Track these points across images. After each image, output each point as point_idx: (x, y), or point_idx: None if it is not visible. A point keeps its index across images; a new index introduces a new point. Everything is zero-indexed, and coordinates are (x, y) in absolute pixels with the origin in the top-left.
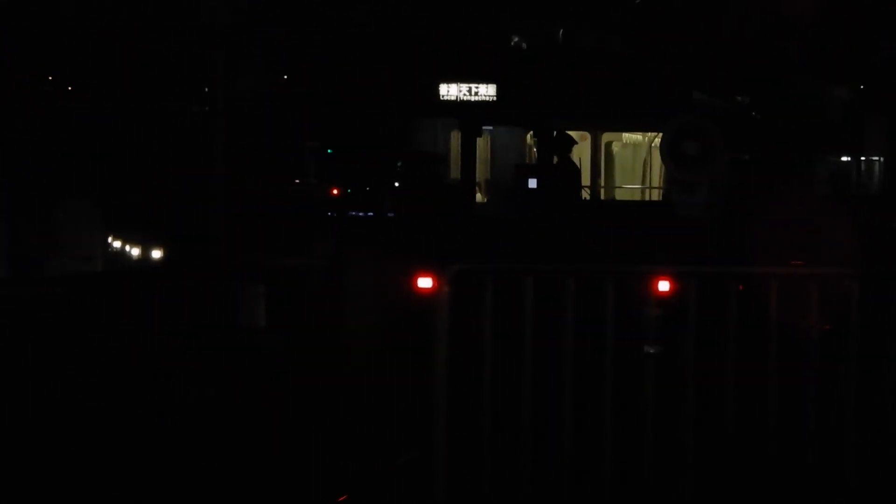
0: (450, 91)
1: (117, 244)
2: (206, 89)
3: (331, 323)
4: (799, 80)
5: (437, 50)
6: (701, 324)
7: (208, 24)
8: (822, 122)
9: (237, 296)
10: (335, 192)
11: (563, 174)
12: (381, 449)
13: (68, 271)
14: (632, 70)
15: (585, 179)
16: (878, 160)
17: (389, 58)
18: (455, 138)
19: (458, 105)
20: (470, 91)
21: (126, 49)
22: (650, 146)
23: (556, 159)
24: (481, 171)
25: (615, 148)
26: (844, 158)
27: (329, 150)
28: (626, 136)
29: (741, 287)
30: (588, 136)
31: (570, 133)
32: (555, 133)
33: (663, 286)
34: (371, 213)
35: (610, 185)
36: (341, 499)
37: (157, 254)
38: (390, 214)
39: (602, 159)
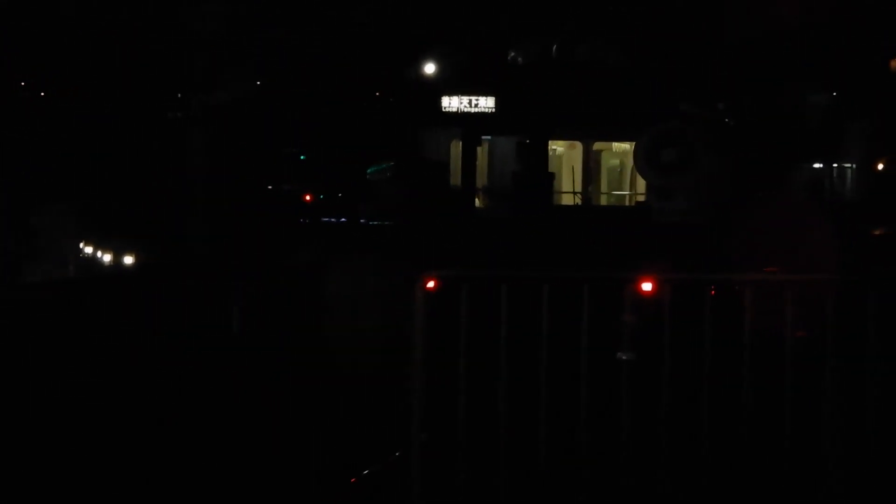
0: (451, 103)
1: (89, 250)
2: (180, 96)
3: (314, 326)
4: (780, 88)
5: (440, 64)
6: (676, 330)
7: (187, 32)
8: (802, 129)
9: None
10: (308, 197)
11: (536, 179)
12: (365, 450)
13: (49, 276)
14: (621, 84)
15: (577, 186)
16: (851, 167)
17: (393, 69)
18: (455, 147)
19: (459, 116)
20: (471, 103)
21: (104, 56)
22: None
23: (526, 166)
24: (480, 178)
25: (605, 157)
26: (818, 165)
27: (302, 157)
28: (616, 145)
29: (713, 291)
30: (580, 145)
31: (564, 142)
32: (527, 142)
33: (646, 286)
34: (344, 220)
35: (600, 191)
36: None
37: (129, 259)
38: (363, 221)
39: (592, 167)
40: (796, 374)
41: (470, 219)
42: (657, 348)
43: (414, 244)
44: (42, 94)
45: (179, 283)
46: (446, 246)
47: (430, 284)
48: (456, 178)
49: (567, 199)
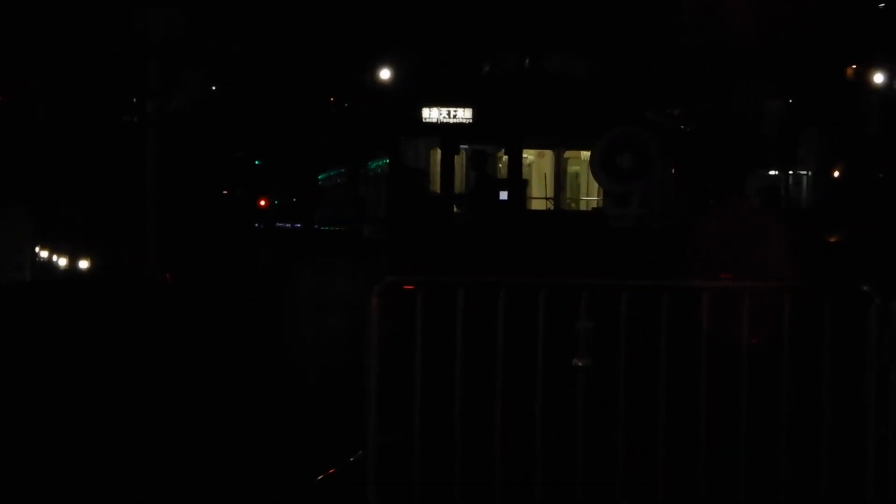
0: (432, 114)
1: (44, 254)
2: (135, 100)
3: (276, 329)
4: (735, 95)
5: (420, 76)
6: (631, 337)
7: (143, 37)
8: (756, 136)
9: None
10: (263, 203)
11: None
12: (324, 452)
13: (3, 280)
14: (588, 94)
15: (550, 192)
16: (807, 174)
17: (369, 78)
18: (434, 155)
19: (438, 126)
20: (449, 114)
21: (61, 60)
22: None
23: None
24: (458, 185)
25: (572, 165)
26: (774, 172)
27: (257, 161)
28: (584, 154)
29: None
30: (551, 153)
31: (534, 151)
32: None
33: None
34: (299, 225)
35: (570, 197)
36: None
37: (84, 264)
38: (317, 227)
39: (563, 174)
40: (752, 380)
41: (449, 224)
42: (613, 355)
43: (393, 248)
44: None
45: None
46: (424, 250)
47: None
48: (434, 185)
49: (538, 205)
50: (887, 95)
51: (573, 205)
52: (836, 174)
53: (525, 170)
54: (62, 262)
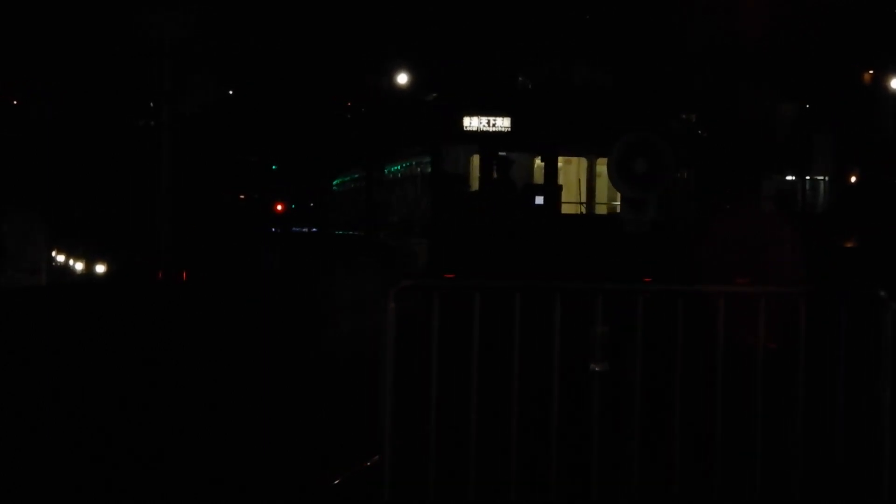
0: (472, 123)
1: (61, 258)
2: (152, 104)
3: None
4: (751, 99)
5: (461, 87)
6: (648, 342)
7: (158, 40)
8: (772, 141)
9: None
10: (279, 207)
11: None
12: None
13: (19, 283)
14: (619, 103)
15: (583, 196)
16: (824, 179)
17: (420, 92)
18: (474, 162)
19: (479, 134)
20: (489, 123)
21: (75, 64)
22: None
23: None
24: (497, 190)
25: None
26: (790, 177)
27: (273, 167)
28: None
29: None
30: (585, 161)
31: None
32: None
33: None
34: (315, 230)
35: (601, 202)
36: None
37: (100, 268)
38: (333, 231)
39: (595, 180)
40: (767, 385)
41: (490, 226)
42: (630, 358)
43: (433, 248)
44: (14, 102)
45: (158, 291)
46: (482, 248)
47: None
48: (473, 189)
49: (569, 209)
50: None
51: (604, 209)
52: (852, 179)
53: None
54: (79, 266)
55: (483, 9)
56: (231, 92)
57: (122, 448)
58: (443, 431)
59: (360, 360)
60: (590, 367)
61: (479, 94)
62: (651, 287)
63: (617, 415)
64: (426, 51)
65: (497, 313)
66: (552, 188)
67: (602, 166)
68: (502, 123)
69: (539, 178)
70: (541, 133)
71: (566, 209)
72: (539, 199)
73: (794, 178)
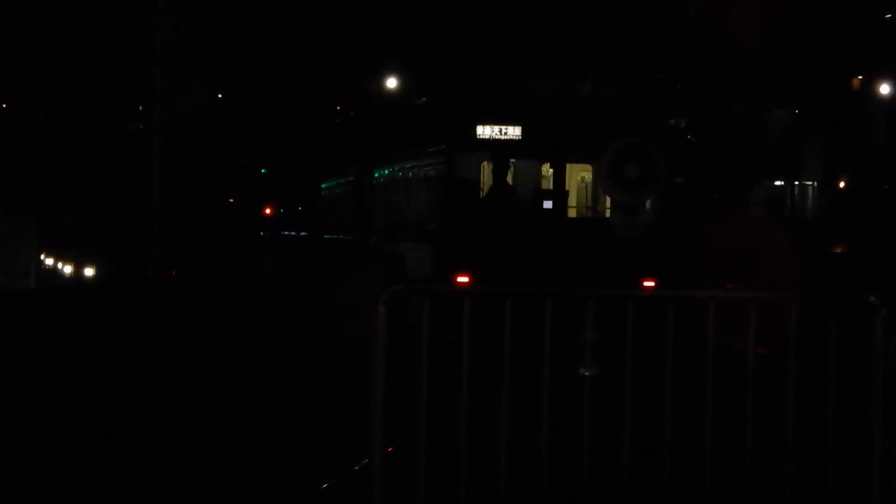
0: (485, 131)
1: (49, 261)
2: (141, 108)
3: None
4: (741, 105)
5: (474, 96)
6: (637, 346)
7: (147, 43)
8: (762, 146)
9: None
10: (268, 211)
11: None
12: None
13: (8, 288)
14: (624, 113)
15: (590, 202)
16: (813, 184)
17: (436, 102)
18: (485, 168)
19: (491, 142)
20: (500, 131)
21: (65, 67)
22: None
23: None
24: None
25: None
26: (779, 183)
27: (263, 170)
28: None
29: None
30: (592, 168)
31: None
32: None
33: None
34: (305, 234)
35: (606, 207)
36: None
37: (89, 272)
38: (326, 236)
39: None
40: (758, 390)
41: (500, 228)
42: (620, 363)
43: (444, 249)
44: (4, 105)
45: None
46: (492, 248)
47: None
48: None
49: (572, 213)
50: (892, 106)
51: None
52: (842, 184)
53: (546, 181)
54: (67, 269)
55: (490, 20)
56: (220, 96)
57: (106, 453)
58: (433, 435)
59: (355, 364)
60: (579, 372)
61: (492, 103)
62: (641, 292)
63: (607, 419)
64: (431, 56)
65: (489, 318)
66: (560, 193)
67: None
68: (513, 132)
69: (547, 183)
70: (549, 140)
71: (572, 213)
72: (547, 204)
73: (783, 182)
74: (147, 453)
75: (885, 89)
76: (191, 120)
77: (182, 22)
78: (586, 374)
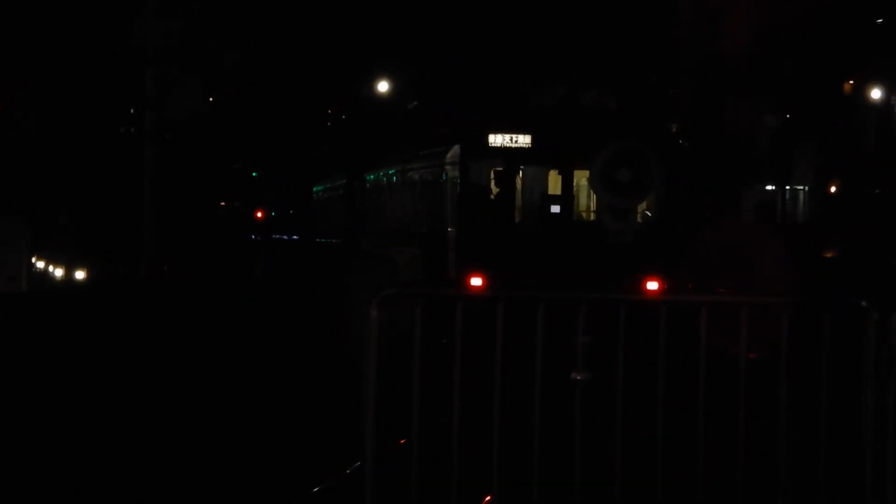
0: (497, 139)
1: (40, 265)
2: (132, 111)
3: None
4: (732, 110)
5: (488, 103)
6: (629, 350)
7: (140, 47)
8: (753, 151)
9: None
10: (259, 214)
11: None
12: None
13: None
14: (627, 121)
15: (596, 206)
16: (804, 189)
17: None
18: (496, 174)
19: (502, 149)
20: (511, 139)
21: (57, 70)
22: None
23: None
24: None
25: None
26: (770, 187)
27: (254, 174)
28: None
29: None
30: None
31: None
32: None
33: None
34: (296, 237)
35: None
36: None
37: (80, 275)
38: (318, 239)
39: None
40: (750, 395)
41: (510, 232)
42: (612, 368)
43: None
44: None
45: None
46: (502, 251)
47: (478, 282)
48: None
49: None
50: (883, 111)
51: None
52: (833, 189)
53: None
54: (58, 272)
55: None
56: (211, 99)
57: (100, 455)
58: (425, 437)
59: (349, 366)
60: (571, 377)
61: (503, 112)
62: (633, 297)
63: (599, 423)
64: (436, 62)
65: (482, 321)
66: (567, 198)
67: None
68: (524, 140)
69: (555, 189)
70: (557, 148)
71: (578, 216)
72: (555, 209)
73: (774, 187)
74: (139, 455)
75: (875, 94)
76: (182, 123)
77: (174, 25)
78: (578, 378)
